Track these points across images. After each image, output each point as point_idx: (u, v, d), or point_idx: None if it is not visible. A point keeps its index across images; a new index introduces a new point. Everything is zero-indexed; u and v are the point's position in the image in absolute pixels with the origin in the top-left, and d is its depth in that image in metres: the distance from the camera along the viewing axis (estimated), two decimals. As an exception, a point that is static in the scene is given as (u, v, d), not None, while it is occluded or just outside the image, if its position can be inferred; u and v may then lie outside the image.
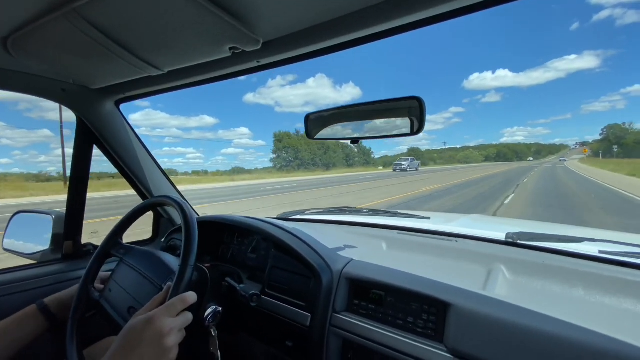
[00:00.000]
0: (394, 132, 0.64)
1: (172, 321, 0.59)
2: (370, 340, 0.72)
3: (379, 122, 0.66)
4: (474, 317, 0.62)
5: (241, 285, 0.85)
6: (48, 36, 0.72)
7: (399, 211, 1.24)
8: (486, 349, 0.59)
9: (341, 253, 0.93)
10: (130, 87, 0.99)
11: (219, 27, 0.63)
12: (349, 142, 0.70)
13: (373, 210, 1.30)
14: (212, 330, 0.81)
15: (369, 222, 1.20)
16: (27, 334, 0.75)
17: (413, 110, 0.60)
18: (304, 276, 0.84)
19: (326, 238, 0.97)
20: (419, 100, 0.59)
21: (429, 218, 1.16)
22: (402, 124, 0.62)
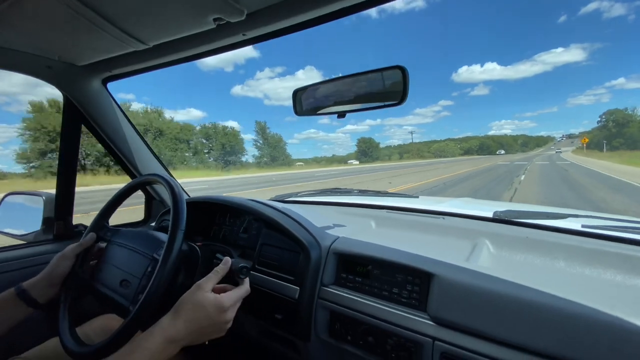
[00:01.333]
0: (379, 104, 0.64)
1: (234, 304, 0.70)
2: (357, 311, 0.74)
3: (364, 94, 0.66)
4: (456, 286, 0.64)
5: (232, 259, 0.86)
6: (31, 9, 0.71)
7: (388, 191, 1.25)
8: (467, 316, 0.60)
9: (330, 231, 0.94)
10: (117, 64, 0.98)
11: None
12: (335, 115, 0.70)
13: (363, 190, 1.30)
14: None
15: (359, 203, 1.21)
16: (5, 318, 0.73)
17: (396, 79, 0.60)
18: (294, 252, 0.86)
19: (317, 218, 0.98)
20: (402, 69, 0.58)
21: (417, 197, 1.18)
22: (387, 94, 0.62)
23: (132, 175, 1.29)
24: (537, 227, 0.87)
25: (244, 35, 0.76)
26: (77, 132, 1.12)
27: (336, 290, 0.79)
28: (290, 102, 0.82)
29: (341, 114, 0.69)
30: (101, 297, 0.79)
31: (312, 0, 0.63)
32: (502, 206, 1.05)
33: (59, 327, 0.78)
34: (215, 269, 0.72)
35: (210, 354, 1.14)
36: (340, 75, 0.67)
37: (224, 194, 1.15)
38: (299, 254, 0.84)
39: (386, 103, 0.62)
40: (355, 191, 1.33)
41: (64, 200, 1.14)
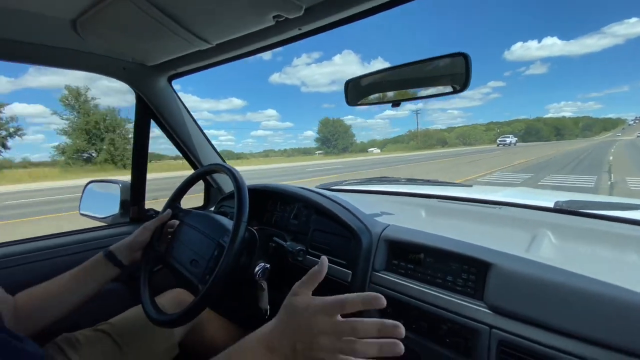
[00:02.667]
0: (437, 92, 0.63)
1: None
2: (409, 297, 0.76)
3: (422, 82, 0.66)
4: (517, 276, 0.63)
5: (287, 243, 0.92)
6: (112, 16, 0.80)
7: (439, 180, 1.23)
8: (529, 307, 0.60)
9: (378, 219, 0.96)
10: (181, 63, 1.06)
11: None
12: (390, 105, 0.71)
13: (412, 179, 1.30)
14: (262, 284, 0.89)
15: (408, 192, 1.21)
16: (96, 279, 0.83)
17: (458, 68, 0.59)
18: (344, 237, 0.89)
19: (364, 205, 1.01)
20: (464, 57, 0.57)
21: (470, 186, 1.15)
22: (447, 82, 0.61)
23: (193, 165, 1.40)
24: (605, 219, 0.82)
25: (299, 29, 0.79)
26: (147, 127, 1.25)
27: (387, 275, 0.81)
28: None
29: (396, 103, 0.70)
30: (174, 271, 0.89)
31: None
32: (562, 196, 0.99)
33: (141, 297, 0.90)
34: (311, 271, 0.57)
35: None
36: (396, 64, 0.67)
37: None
38: (349, 240, 0.88)
39: (446, 90, 0.62)
40: (403, 180, 1.32)
41: (137, 187, 1.28)
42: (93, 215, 1.43)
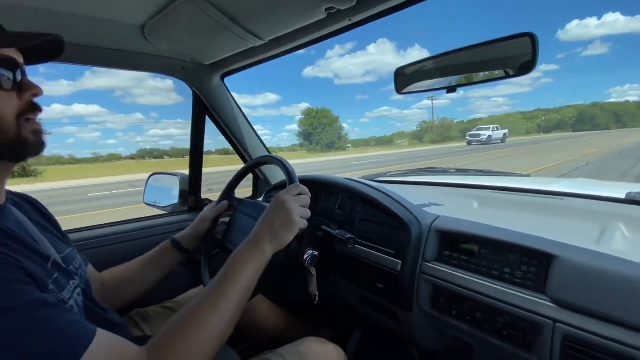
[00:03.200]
0: (497, 75, 0.61)
1: (292, 198, 0.73)
2: (463, 287, 0.74)
3: (481, 67, 0.63)
4: (584, 269, 0.59)
5: (337, 231, 0.94)
6: (176, 19, 0.87)
7: (492, 170, 1.17)
8: (600, 301, 0.56)
9: (427, 209, 0.94)
10: (234, 61, 1.12)
11: None
12: (444, 91, 0.69)
13: (462, 170, 1.25)
14: (311, 270, 0.93)
15: (458, 182, 1.17)
16: (165, 263, 0.94)
17: (523, 49, 0.56)
18: (393, 227, 0.89)
19: (411, 197, 1.00)
20: (531, 37, 0.54)
21: (528, 176, 1.08)
22: (510, 65, 0.58)
23: (243, 159, 1.48)
24: None
25: (349, 20, 0.80)
26: (203, 123, 1.34)
27: (439, 266, 0.80)
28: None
29: (451, 89, 0.68)
30: (230, 254, 0.96)
31: None
32: (633, 187, 0.89)
33: (202, 278, 0.98)
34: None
35: (314, 316, 1.27)
36: (453, 49, 0.65)
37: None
38: (398, 230, 0.88)
39: (508, 74, 0.59)
40: (452, 170, 1.28)
41: (194, 179, 1.39)
42: (155, 204, 1.58)
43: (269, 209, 0.73)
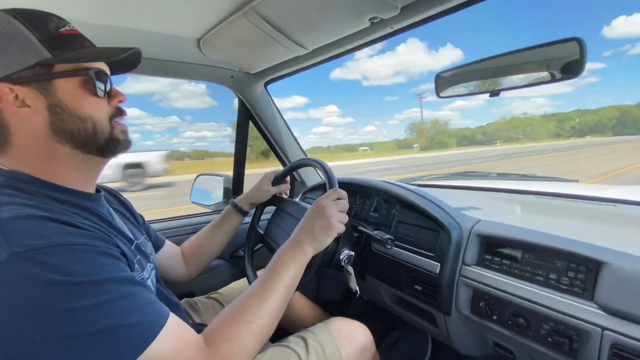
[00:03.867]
0: (541, 79, 0.60)
1: (331, 203, 0.77)
2: (505, 292, 0.73)
3: (526, 70, 0.63)
4: (633, 276, 0.57)
5: (375, 231, 0.97)
6: (229, 33, 0.95)
7: (537, 175, 1.13)
8: None
9: (467, 213, 0.93)
10: (278, 69, 1.20)
11: None
12: (487, 95, 0.70)
13: (503, 174, 1.22)
14: (348, 269, 0.96)
15: (499, 187, 1.15)
16: (230, 223, 1.04)
17: (570, 53, 0.55)
18: (432, 230, 0.90)
19: (450, 200, 0.99)
20: (579, 42, 0.53)
21: (577, 181, 1.03)
22: (555, 69, 0.58)
23: (281, 161, 1.55)
24: None
25: (391, 28, 0.83)
26: (247, 128, 1.43)
27: (480, 270, 0.80)
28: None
29: (495, 93, 0.69)
30: (272, 251, 1.02)
31: None
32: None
33: (246, 271, 1.05)
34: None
35: (349, 315, 1.30)
36: (495, 54, 0.66)
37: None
38: (437, 233, 0.88)
39: (554, 77, 0.59)
40: (493, 174, 1.25)
41: (238, 179, 1.48)
42: (201, 203, 1.69)
43: (310, 213, 0.77)
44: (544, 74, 0.61)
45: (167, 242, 0.95)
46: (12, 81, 0.48)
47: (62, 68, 0.52)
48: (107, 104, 0.57)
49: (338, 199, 0.79)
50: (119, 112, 0.59)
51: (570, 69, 0.56)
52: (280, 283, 0.65)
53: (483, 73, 0.71)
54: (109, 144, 0.57)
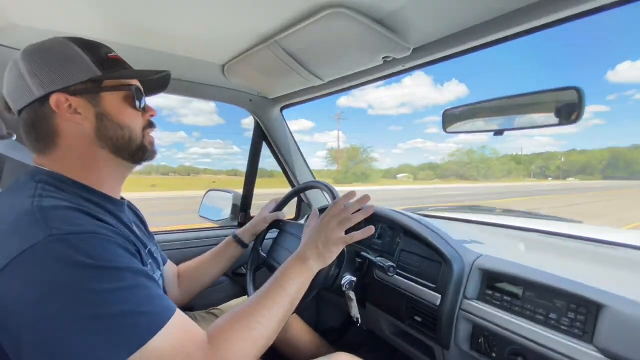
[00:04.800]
0: (543, 122, 0.64)
1: (333, 218, 0.79)
2: (506, 329, 0.73)
3: (528, 114, 0.67)
4: (633, 321, 0.57)
5: (377, 258, 0.98)
6: (252, 62, 1.02)
7: (542, 213, 1.14)
8: None
9: (469, 246, 0.94)
10: (294, 96, 1.27)
11: (377, 39, 0.78)
12: (492, 133, 0.73)
13: (508, 210, 1.23)
14: (350, 294, 0.96)
15: (503, 223, 1.16)
16: (229, 254, 1.07)
17: (568, 100, 0.59)
18: (434, 261, 0.91)
19: (454, 233, 1.00)
20: (577, 91, 0.58)
21: (581, 222, 1.04)
22: (554, 114, 0.62)
23: (291, 182, 1.59)
24: None
25: (402, 66, 0.89)
26: (260, 148, 1.49)
27: (480, 305, 0.80)
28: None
29: (498, 132, 0.72)
30: (274, 271, 1.03)
31: (472, 34, 0.70)
32: None
33: (247, 289, 1.06)
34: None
35: (347, 345, 1.28)
36: (499, 96, 0.70)
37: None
38: (440, 264, 0.89)
39: (552, 122, 0.62)
40: (498, 210, 1.26)
41: (246, 197, 1.52)
42: (208, 217, 1.73)
43: (314, 228, 0.80)
44: (545, 118, 0.64)
45: (168, 262, 0.98)
46: (68, 92, 0.57)
47: (109, 84, 0.60)
48: (141, 117, 0.65)
49: (340, 209, 0.80)
50: (150, 125, 0.67)
51: (569, 116, 0.60)
52: (284, 294, 0.67)
53: (486, 112, 0.75)
54: (139, 151, 0.64)
